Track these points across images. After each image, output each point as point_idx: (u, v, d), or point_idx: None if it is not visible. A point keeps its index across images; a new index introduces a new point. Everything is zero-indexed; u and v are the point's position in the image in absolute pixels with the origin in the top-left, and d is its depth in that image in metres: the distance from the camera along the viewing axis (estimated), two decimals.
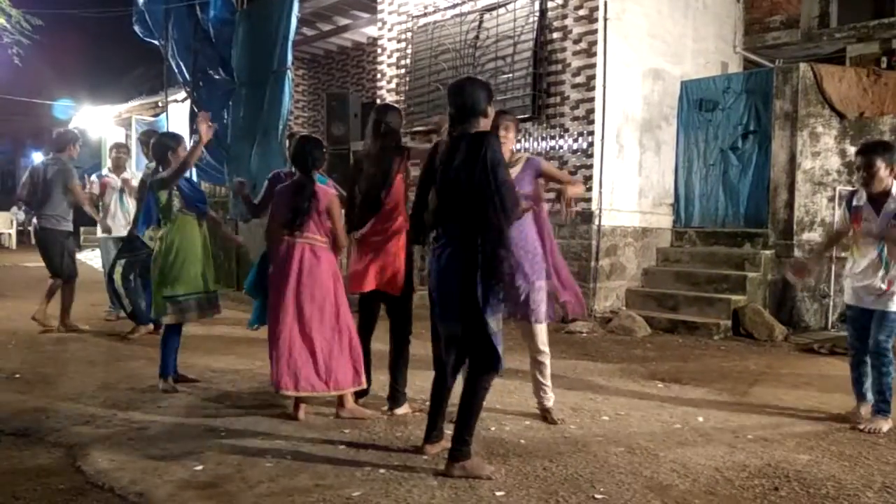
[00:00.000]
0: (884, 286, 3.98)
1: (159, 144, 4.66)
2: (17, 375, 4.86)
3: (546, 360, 4.02)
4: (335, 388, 3.91)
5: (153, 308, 4.63)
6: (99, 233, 7.58)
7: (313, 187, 3.92)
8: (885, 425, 3.98)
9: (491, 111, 3.25)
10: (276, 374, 3.87)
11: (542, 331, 3.97)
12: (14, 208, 21.45)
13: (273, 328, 3.95)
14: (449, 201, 3.14)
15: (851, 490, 3.14)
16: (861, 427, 4.01)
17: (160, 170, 4.63)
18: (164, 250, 4.50)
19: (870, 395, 4.15)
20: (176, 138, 4.78)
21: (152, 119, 15.48)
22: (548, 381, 4.05)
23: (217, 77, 9.96)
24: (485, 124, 3.21)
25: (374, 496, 2.94)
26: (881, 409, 4.05)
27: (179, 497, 2.90)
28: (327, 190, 4.02)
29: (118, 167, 7.46)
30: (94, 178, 7.58)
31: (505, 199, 2.98)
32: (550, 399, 4.08)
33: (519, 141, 8.48)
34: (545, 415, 4.07)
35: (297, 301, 3.87)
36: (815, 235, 7.74)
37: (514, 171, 3.74)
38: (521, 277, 3.73)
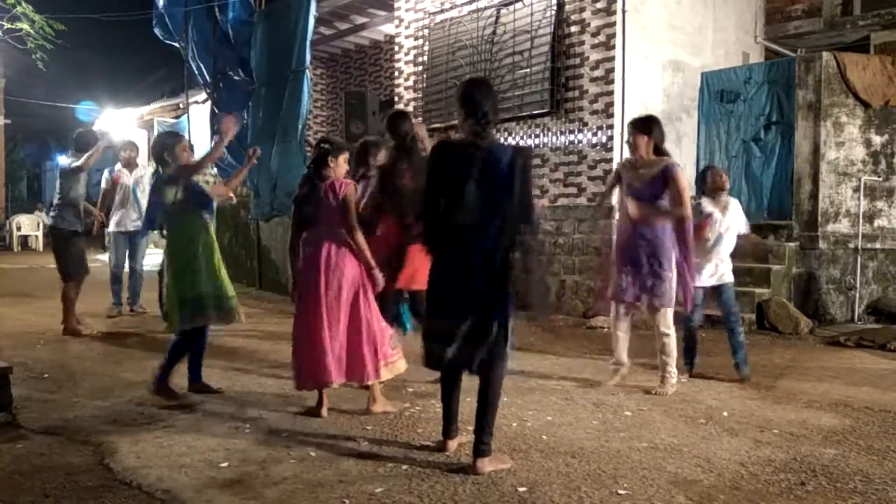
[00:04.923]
0: None
1: (158, 143, 4.58)
2: (46, 375, 4.94)
3: (665, 340, 4.56)
4: (358, 380, 3.97)
5: (173, 314, 4.36)
6: (110, 227, 7.53)
7: (319, 181, 3.95)
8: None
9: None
10: (300, 370, 3.94)
11: (662, 316, 4.53)
12: (37, 211, 21.84)
13: (297, 323, 4.00)
14: (470, 205, 3.12)
15: (880, 484, 3.10)
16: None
17: (160, 170, 4.52)
18: (177, 252, 4.39)
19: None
20: (175, 136, 4.69)
21: (174, 121, 15.67)
22: (668, 361, 4.58)
23: (237, 78, 10.05)
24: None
25: (396, 492, 2.95)
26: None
27: (205, 494, 2.94)
28: (345, 182, 4.01)
29: (129, 164, 7.52)
30: (105, 173, 7.59)
31: (529, 213, 3.17)
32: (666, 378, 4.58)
33: (537, 136, 8.45)
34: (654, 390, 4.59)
35: (322, 296, 3.90)
36: (840, 227, 7.63)
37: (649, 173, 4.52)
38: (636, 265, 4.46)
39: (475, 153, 3.15)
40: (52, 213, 6.69)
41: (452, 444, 3.42)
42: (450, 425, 3.43)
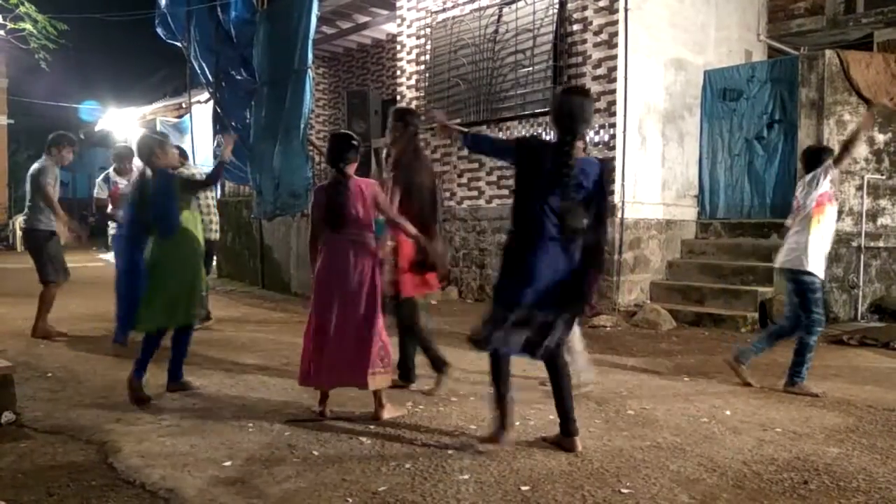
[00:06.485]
0: None
1: (144, 145, 4.46)
2: (49, 374, 4.95)
3: None
4: (361, 385, 3.94)
5: (195, 311, 4.55)
6: (112, 231, 7.03)
7: (346, 182, 3.93)
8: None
9: None
10: (303, 369, 3.94)
11: None
12: None
13: (311, 322, 3.98)
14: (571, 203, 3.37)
15: (883, 483, 3.09)
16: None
17: (147, 172, 4.39)
18: (192, 250, 4.48)
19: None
20: (160, 142, 4.54)
21: (177, 120, 15.66)
22: None
23: (239, 77, 10.05)
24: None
25: (400, 491, 2.96)
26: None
27: (208, 492, 2.94)
28: (368, 182, 4.00)
29: (122, 172, 6.92)
30: (99, 179, 7.15)
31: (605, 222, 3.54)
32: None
33: (539, 135, 8.44)
34: None
35: (332, 299, 3.89)
36: (843, 225, 7.60)
37: None
38: None
39: (567, 161, 3.34)
40: (24, 216, 6.58)
41: (512, 436, 3.46)
42: (508, 417, 3.46)
